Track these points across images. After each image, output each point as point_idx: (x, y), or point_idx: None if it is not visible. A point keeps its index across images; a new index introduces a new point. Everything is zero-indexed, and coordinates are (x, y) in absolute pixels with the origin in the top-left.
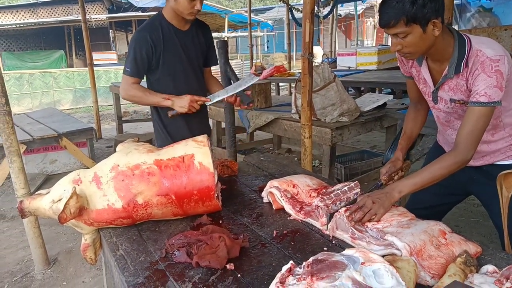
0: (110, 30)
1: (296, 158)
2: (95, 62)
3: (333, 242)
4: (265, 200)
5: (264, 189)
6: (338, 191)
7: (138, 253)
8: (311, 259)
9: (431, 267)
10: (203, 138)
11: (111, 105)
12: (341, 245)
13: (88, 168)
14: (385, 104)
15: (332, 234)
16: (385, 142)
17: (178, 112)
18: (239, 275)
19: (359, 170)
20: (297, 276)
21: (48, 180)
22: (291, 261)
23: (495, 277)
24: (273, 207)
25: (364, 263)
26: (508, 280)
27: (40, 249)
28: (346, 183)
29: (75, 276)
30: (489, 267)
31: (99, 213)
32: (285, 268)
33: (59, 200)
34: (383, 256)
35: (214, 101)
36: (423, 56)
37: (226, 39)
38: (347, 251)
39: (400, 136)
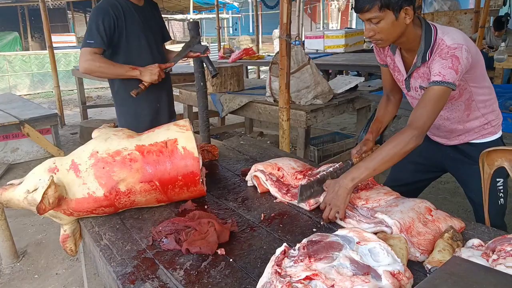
0: (68, 11)
1: (268, 142)
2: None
3: (321, 223)
4: (249, 183)
5: (249, 173)
6: (324, 173)
7: (124, 242)
8: (305, 241)
9: (420, 243)
10: (185, 122)
11: (72, 90)
12: (329, 226)
13: (53, 156)
14: (356, 86)
15: (308, 208)
16: (355, 124)
17: (142, 88)
18: (231, 260)
19: (332, 152)
20: (293, 258)
21: (10, 169)
22: (284, 244)
23: (481, 250)
24: (258, 190)
25: (359, 242)
26: (494, 252)
27: (7, 242)
28: (330, 165)
29: (47, 268)
30: (475, 241)
31: (79, 202)
32: (279, 250)
33: (35, 190)
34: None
35: (177, 61)
36: (397, 46)
37: (191, 20)
38: (340, 232)
39: (372, 120)
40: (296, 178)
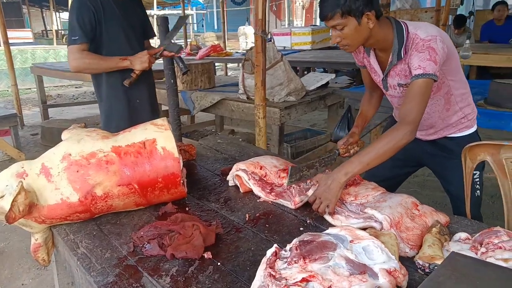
0: (23, 6)
1: (240, 139)
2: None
3: (308, 221)
4: (231, 183)
5: (230, 172)
6: (312, 161)
7: (102, 249)
8: (296, 241)
9: (409, 239)
10: (163, 121)
11: (29, 88)
12: (315, 224)
13: (13, 159)
14: (327, 83)
15: (294, 206)
16: (326, 120)
17: (134, 77)
18: (219, 263)
19: (304, 148)
20: (286, 260)
21: None
22: (275, 245)
23: (469, 243)
24: (241, 190)
25: (352, 241)
26: (482, 245)
27: None
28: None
29: (12, 278)
30: (462, 235)
31: (51, 209)
32: (270, 252)
33: (2, 197)
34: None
35: (166, 45)
36: (370, 48)
37: (154, 17)
38: (332, 230)
39: (357, 115)
40: (279, 176)
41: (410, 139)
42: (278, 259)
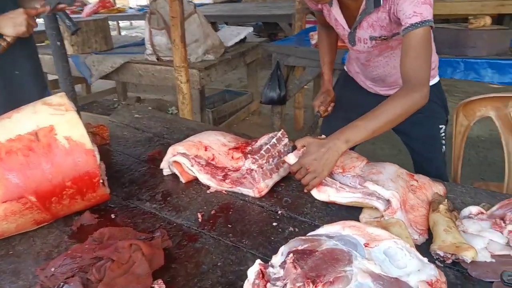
0: None
1: (149, 107)
2: None
3: (279, 212)
4: (166, 172)
5: (164, 159)
6: (267, 146)
7: None
8: (286, 251)
9: (417, 222)
10: (61, 98)
11: None
12: (290, 215)
13: None
14: (245, 38)
15: (258, 195)
16: (242, 79)
17: (4, 45)
18: None
19: (226, 112)
20: (280, 283)
21: None
22: (258, 261)
23: (485, 219)
24: (182, 180)
25: (368, 244)
26: (506, 221)
27: None
28: (270, 135)
29: None
30: (472, 209)
31: None
32: (253, 272)
33: None
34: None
35: (54, 4)
36: None
37: None
38: (328, 228)
39: (322, 65)
40: (232, 157)
41: (424, 103)
42: (269, 283)
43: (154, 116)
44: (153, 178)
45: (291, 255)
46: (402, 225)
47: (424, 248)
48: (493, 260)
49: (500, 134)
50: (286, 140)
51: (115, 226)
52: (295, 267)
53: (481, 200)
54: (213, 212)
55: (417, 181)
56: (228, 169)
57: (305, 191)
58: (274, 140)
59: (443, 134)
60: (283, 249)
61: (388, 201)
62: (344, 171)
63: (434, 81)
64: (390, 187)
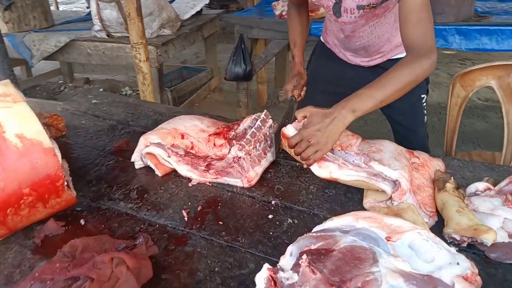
0: None
1: (101, 89)
2: None
3: (273, 202)
4: (138, 165)
5: (136, 150)
6: (252, 130)
7: None
8: (296, 251)
9: (425, 203)
10: (6, 87)
11: None
12: (286, 204)
13: None
14: (201, 10)
15: (247, 184)
16: (199, 54)
17: None
18: None
19: (186, 90)
20: None
21: None
22: (266, 266)
23: (492, 195)
24: (158, 173)
25: (389, 237)
26: None
27: None
28: (252, 116)
29: None
30: (479, 185)
31: None
32: (262, 280)
33: None
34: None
35: None
36: None
37: None
38: (338, 221)
39: (293, 47)
40: (214, 145)
41: (433, 70)
42: None
43: (114, 100)
44: (124, 173)
45: (304, 256)
46: (414, 209)
47: (436, 231)
48: (511, 240)
49: (501, 103)
50: (270, 121)
51: (87, 235)
52: (313, 271)
53: (480, 173)
54: (199, 208)
55: (418, 158)
56: (211, 158)
57: (305, 166)
58: (258, 122)
59: (424, 104)
60: (292, 249)
61: (395, 183)
62: (342, 149)
63: None
64: (396, 166)
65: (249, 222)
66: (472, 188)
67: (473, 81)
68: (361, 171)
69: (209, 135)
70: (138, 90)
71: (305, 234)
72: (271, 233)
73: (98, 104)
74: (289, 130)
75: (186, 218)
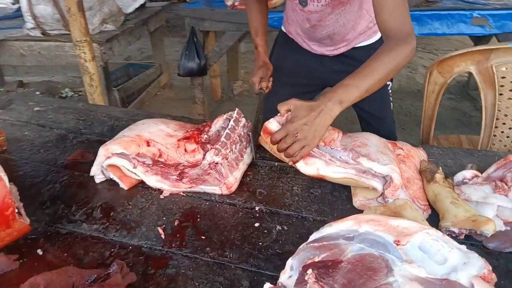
0: None
1: (38, 93)
2: None
3: (257, 208)
4: (98, 179)
5: (95, 163)
6: (226, 131)
7: None
8: (297, 264)
9: (418, 197)
10: None
11: None
12: (270, 209)
13: None
14: (145, 3)
15: (227, 191)
16: (143, 50)
17: None
18: None
19: (135, 89)
20: None
21: None
22: (268, 285)
23: (482, 183)
24: (123, 186)
25: (398, 241)
26: (509, 184)
27: None
28: (224, 116)
29: None
30: (466, 173)
31: None
32: None
33: None
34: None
35: None
36: None
37: None
38: (338, 226)
39: (254, 36)
40: (186, 150)
41: (413, 56)
42: None
43: (61, 106)
44: (83, 189)
45: (310, 271)
46: (411, 205)
47: (431, 225)
48: (508, 228)
49: (480, 89)
50: (243, 120)
51: (48, 267)
52: (322, 287)
53: (461, 160)
54: (176, 222)
55: (402, 149)
56: (184, 166)
57: (291, 163)
58: (231, 122)
59: (390, 91)
60: (292, 263)
61: (385, 178)
62: (326, 144)
63: (377, 36)
64: (385, 160)
65: (235, 234)
66: (459, 176)
67: (451, 67)
68: (349, 168)
69: (178, 140)
70: (80, 92)
71: (304, 245)
72: (260, 243)
73: (42, 112)
74: (273, 124)
75: (163, 236)
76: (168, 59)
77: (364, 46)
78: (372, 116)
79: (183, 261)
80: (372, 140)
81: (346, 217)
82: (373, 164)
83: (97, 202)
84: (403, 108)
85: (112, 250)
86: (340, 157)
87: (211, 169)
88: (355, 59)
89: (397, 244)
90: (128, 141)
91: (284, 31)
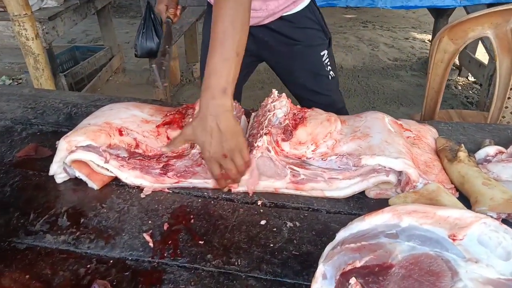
0: None
1: None
2: None
3: (259, 203)
4: (60, 179)
5: (55, 159)
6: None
7: None
8: (328, 271)
9: (441, 180)
10: None
11: None
12: (276, 202)
13: None
14: None
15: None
16: (89, 31)
17: None
18: None
19: (84, 74)
20: None
21: None
22: None
23: (503, 159)
24: (93, 186)
25: (455, 235)
26: None
27: None
28: None
29: None
30: (489, 150)
31: None
32: None
33: None
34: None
35: None
36: None
37: None
38: (372, 221)
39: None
40: (168, 138)
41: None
42: None
43: (2, 93)
44: (41, 192)
45: (353, 279)
46: (444, 189)
47: None
48: None
49: (496, 55)
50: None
51: None
52: None
53: (473, 135)
54: (165, 226)
55: (410, 130)
56: (168, 157)
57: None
58: None
59: (327, 61)
60: (324, 269)
61: (400, 173)
62: (317, 144)
63: (305, 2)
64: (393, 152)
65: (239, 235)
66: (482, 153)
67: (466, 32)
68: (354, 177)
69: (157, 126)
70: (19, 79)
71: (334, 245)
72: (271, 245)
73: None
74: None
75: (151, 244)
76: (119, 41)
77: (291, 14)
78: (309, 91)
79: (181, 274)
80: (375, 126)
81: (367, 208)
82: (379, 158)
83: (61, 207)
84: (370, 86)
85: (88, 266)
86: (338, 166)
87: (202, 159)
88: (282, 33)
89: (453, 240)
90: (95, 131)
91: (211, 3)
